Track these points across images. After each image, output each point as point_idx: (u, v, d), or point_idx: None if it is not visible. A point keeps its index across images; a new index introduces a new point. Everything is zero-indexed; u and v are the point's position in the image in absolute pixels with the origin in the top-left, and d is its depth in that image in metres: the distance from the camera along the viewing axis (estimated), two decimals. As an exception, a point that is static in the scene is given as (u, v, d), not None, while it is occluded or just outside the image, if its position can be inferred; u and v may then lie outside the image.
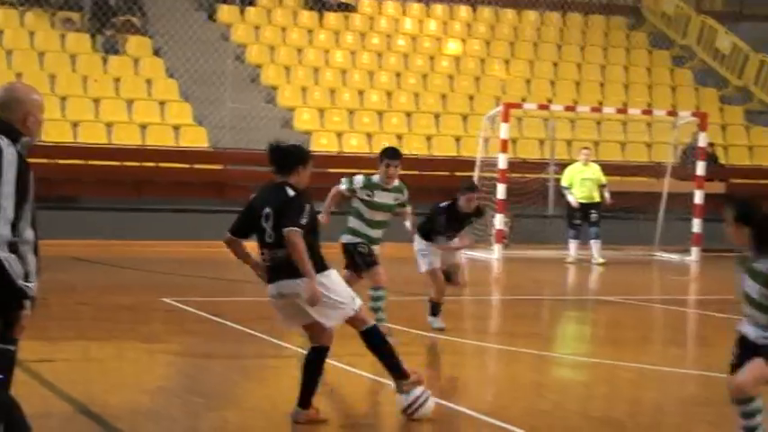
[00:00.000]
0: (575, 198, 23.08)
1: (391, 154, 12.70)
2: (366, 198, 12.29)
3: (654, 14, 34.06)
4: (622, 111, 27.33)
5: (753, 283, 7.50)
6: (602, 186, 23.22)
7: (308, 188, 8.83)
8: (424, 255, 13.57)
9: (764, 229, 7.45)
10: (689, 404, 10.49)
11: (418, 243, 13.57)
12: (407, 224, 13.13)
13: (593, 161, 23.62)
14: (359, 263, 12.26)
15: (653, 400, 10.64)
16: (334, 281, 8.65)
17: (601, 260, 22.99)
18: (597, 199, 23.18)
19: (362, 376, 10.66)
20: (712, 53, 32.45)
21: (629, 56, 32.40)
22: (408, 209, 13.01)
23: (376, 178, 12.43)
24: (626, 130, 28.88)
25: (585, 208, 22.96)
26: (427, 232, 13.56)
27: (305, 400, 8.63)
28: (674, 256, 24.16)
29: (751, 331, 7.60)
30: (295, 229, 8.34)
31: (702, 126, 24.98)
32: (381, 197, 12.36)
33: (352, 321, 8.79)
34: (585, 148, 24.13)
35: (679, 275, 22.46)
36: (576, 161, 23.63)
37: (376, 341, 8.86)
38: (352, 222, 12.39)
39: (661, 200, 24.82)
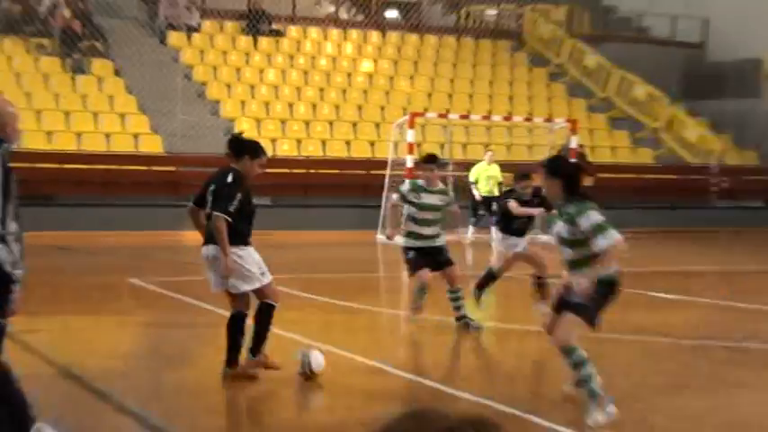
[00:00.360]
0: (479, 192, 23.38)
1: (426, 160, 12.01)
2: (414, 200, 11.61)
3: (533, 38, 34.43)
4: (508, 118, 27.66)
5: (564, 225, 7.57)
6: (500, 183, 23.48)
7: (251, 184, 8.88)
8: (504, 243, 12.88)
9: (571, 178, 7.58)
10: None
11: (497, 236, 13.12)
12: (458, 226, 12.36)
13: (494, 162, 23.89)
14: (407, 267, 11.84)
15: (536, 355, 10.83)
16: (250, 254, 8.57)
17: None
18: (497, 193, 23.41)
19: (295, 339, 10.81)
20: (581, 70, 32.90)
21: (512, 73, 32.75)
22: (455, 207, 12.27)
23: (420, 182, 11.79)
24: (510, 135, 29.22)
25: (488, 200, 23.19)
26: (504, 225, 12.87)
27: (230, 359, 8.65)
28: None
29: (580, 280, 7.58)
30: (221, 215, 8.33)
31: (573, 130, 25.35)
32: (427, 198, 11.63)
33: (258, 293, 8.65)
34: (490, 150, 24.36)
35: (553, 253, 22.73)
36: (481, 161, 23.87)
37: (264, 318, 8.65)
38: (407, 225, 11.81)
39: (541, 192, 25.05)
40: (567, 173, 7.63)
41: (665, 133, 31.15)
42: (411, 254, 11.67)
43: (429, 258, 11.66)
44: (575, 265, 7.67)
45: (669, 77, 33.32)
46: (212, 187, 8.57)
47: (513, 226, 12.71)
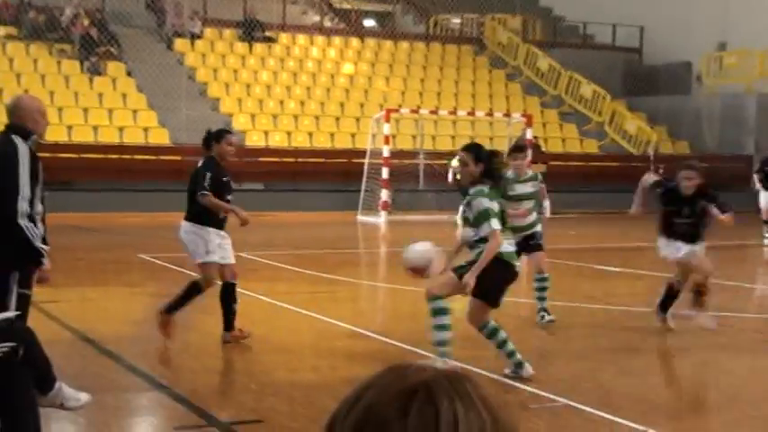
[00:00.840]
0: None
1: (514, 149, 10.39)
2: (509, 193, 9.55)
3: (492, 43, 34.32)
4: (471, 113, 27.53)
5: (465, 206, 7.49)
6: None
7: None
8: (666, 248, 9.64)
9: (490, 163, 7.48)
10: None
11: (660, 243, 9.72)
12: (545, 204, 10.31)
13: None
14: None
15: (511, 324, 10.70)
16: (207, 232, 8.59)
17: None
18: None
19: (285, 308, 10.66)
20: (535, 71, 32.80)
21: (475, 74, 32.62)
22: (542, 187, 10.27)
23: (510, 173, 9.76)
24: (473, 128, 29.07)
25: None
26: (664, 226, 9.59)
27: (227, 324, 8.68)
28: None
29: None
30: (203, 192, 8.46)
31: (529, 123, 25.30)
32: (520, 188, 9.84)
33: (199, 269, 8.69)
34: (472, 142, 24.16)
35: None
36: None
37: (189, 292, 8.64)
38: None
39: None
40: (487, 159, 7.48)
41: (607, 126, 31.11)
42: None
43: (522, 244, 9.69)
44: (471, 245, 7.52)
45: (611, 78, 33.29)
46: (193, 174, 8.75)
47: (675, 228, 9.51)
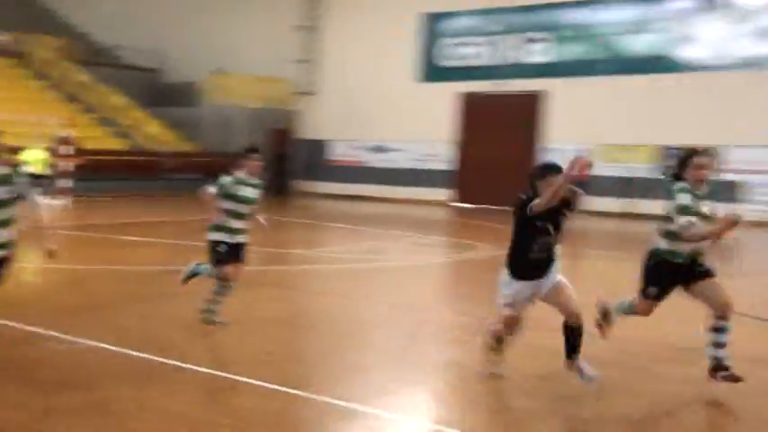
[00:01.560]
0: (33, 169, 22.11)
1: (250, 149, 8.11)
2: (235, 193, 7.95)
3: (37, 59, 33.51)
4: (20, 115, 26.63)
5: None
6: (49, 164, 22.74)
7: None
8: (506, 292, 6.13)
9: None
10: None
11: (503, 279, 6.12)
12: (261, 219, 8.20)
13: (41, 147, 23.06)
14: (219, 258, 7.99)
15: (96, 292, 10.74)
16: None
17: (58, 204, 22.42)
18: (41, 171, 22.62)
19: None
20: (76, 84, 32.59)
21: (23, 83, 31.57)
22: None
23: (240, 174, 8.02)
24: (25, 126, 28.10)
25: (41, 176, 21.76)
26: (514, 263, 5.99)
27: None
28: (57, 201, 24.07)
29: None
30: None
31: (69, 125, 25.34)
32: (245, 191, 8.01)
33: None
34: (45, 139, 23.50)
35: (65, 207, 22.49)
36: (32, 147, 23.03)
37: None
38: (220, 219, 7.97)
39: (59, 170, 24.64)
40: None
41: (135, 130, 31.93)
42: (223, 247, 7.97)
43: (233, 253, 8.06)
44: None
45: (137, 91, 34.24)
46: None
47: (534, 255, 5.92)
